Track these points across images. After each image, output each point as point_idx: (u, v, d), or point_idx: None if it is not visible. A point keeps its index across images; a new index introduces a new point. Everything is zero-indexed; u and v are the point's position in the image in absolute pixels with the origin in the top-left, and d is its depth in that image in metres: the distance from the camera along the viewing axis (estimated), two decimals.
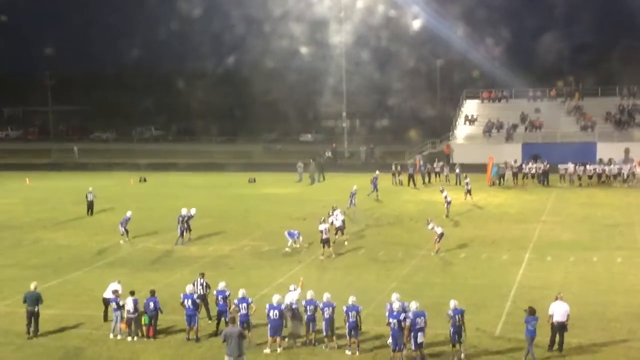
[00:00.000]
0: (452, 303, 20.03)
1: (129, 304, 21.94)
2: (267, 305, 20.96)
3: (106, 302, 23.11)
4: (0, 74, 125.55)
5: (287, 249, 33.15)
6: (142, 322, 21.93)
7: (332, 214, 35.01)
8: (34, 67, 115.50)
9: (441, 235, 32.41)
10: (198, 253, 33.44)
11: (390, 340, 19.87)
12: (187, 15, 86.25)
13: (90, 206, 43.08)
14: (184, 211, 35.69)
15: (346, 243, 34.22)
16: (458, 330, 19.79)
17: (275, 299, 21.08)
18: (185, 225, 35.37)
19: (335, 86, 79.30)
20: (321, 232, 31.78)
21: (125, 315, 22.00)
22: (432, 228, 32.65)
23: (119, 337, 21.89)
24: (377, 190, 48.80)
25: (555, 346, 20.31)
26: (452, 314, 19.79)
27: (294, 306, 21.31)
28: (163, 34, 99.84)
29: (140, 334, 21.89)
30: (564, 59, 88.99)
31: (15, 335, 22.34)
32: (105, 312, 23.33)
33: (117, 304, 22.00)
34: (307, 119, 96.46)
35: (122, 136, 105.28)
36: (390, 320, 19.73)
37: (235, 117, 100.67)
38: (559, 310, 20.33)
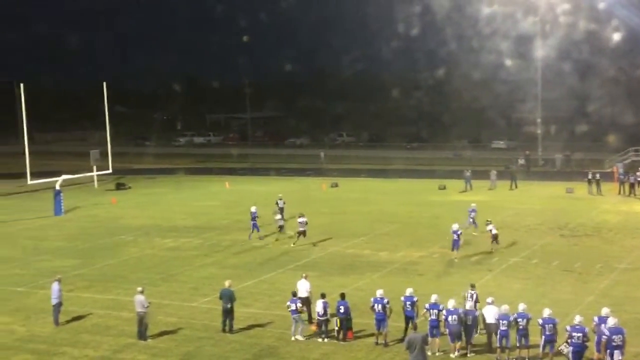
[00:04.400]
0: None
1: (319, 307, 22.50)
2: (445, 311, 20.88)
3: (303, 302, 23.80)
4: (204, 84, 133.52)
5: None
6: (335, 325, 22.44)
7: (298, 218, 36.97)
8: (245, 76, 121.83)
9: None
10: (387, 258, 33.68)
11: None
12: (395, 29, 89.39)
13: (280, 213, 44.21)
14: (253, 209, 38.49)
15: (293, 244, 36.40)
16: None
17: (452, 304, 20.94)
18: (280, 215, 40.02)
19: (532, 93, 77.91)
20: (300, 223, 35.91)
21: (316, 317, 22.65)
22: None
23: (298, 338, 22.45)
24: None
25: None
26: None
27: (471, 315, 20.98)
28: (370, 47, 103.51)
29: (330, 336, 22.39)
30: None
31: (215, 331, 23.54)
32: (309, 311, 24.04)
33: (296, 306, 22.58)
34: (501, 125, 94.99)
35: (315, 142, 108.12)
36: (573, 334, 18.94)
37: (432, 125, 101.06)
38: None
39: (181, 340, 22.91)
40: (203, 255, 35.59)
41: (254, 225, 38.42)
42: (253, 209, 38.74)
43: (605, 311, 19.79)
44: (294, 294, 23.20)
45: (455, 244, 32.94)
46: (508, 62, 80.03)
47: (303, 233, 36.34)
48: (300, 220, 36.61)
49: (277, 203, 44.31)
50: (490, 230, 34.34)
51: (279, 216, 39.71)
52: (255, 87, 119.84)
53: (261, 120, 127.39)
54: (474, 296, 22.26)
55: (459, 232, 33.00)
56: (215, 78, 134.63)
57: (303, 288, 24.15)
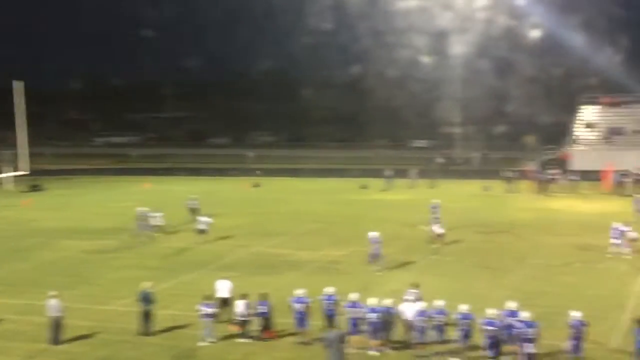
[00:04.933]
0: (576, 314, 19.45)
1: (239, 307, 22.35)
2: (365, 309, 21.08)
3: (223, 301, 23.65)
4: (124, 83, 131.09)
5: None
6: (256, 326, 22.34)
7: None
8: (156, 75, 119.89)
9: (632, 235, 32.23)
10: (308, 257, 33.73)
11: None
12: (307, 25, 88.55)
13: (192, 213, 43.79)
14: (146, 210, 39.39)
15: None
16: (578, 343, 19.14)
17: (373, 301, 21.18)
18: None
19: (451, 93, 79.08)
20: (200, 222, 37.28)
21: (237, 318, 22.50)
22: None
23: (205, 343, 22.07)
24: None
25: None
26: (575, 324, 19.17)
27: (392, 312, 21.26)
28: (282, 44, 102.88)
29: (251, 336, 22.29)
30: None
31: (132, 334, 23.08)
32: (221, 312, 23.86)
33: (209, 310, 22.32)
34: (421, 125, 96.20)
35: (237, 142, 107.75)
36: (485, 327, 19.57)
37: (350, 124, 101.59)
38: None
39: (97, 345, 22.40)
40: (121, 257, 34.94)
41: (144, 227, 38.69)
42: (146, 210, 39.21)
43: (513, 305, 20.34)
44: (207, 298, 22.88)
45: (373, 255, 30.83)
46: (427, 61, 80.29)
47: (202, 231, 36.84)
48: (201, 219, 37.14)
49: (189, 204, 44.02)
50: (435, 230, 34.21)
51: (158, 214, 39.54)
52: (175, 87, 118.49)
53: (181, 120, 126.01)
54: (415, 295, 22.41)
55: (379, 241, 30.99)
56: (135, 77, 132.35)
57: (224, 288, 23.95)
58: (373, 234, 31.17)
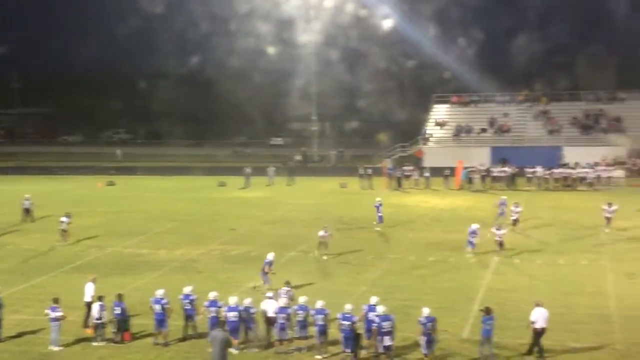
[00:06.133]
0: (425, 310, 19.98)
1: (94, 310, 21.73)
2: (225, 308, 21.04)
3: (88, 305, 22.95)
4: None
5: None
6: (111, 328, 21.78)
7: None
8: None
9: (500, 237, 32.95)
10: (166, 257, 33.21)
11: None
12: (150, 13, 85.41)
13: (27, 213, 42.34)
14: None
15: None
16: (430, 339, 19.80)
17: (233, 300, 21.16)
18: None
19: (304, 88, 79.13)
20: (61, 222, 35.98)
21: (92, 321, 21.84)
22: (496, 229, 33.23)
23: (57, 348, 21.38)
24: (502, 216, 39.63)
25: (534, 352, 20.42)
26: (424, 322, 19.75)
27: (251, 311, 21.24)
28: (125, 33, 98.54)
29: (107, 339, 21.72)
30: (533, 63, 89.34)
31: None
32: (88, 316, 23.06)
33: (55, 313, 21.53)
34: (276, 122, 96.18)
35: (89, 139, 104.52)
36: (342, 322, 19.94)
37: (202, 120, 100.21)
38: (541, 317, 20.40)
39: None
40: None
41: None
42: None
43: (374, 300, 20.85)
44: (56, 301, 22.02)
45: (265, 276, 27.06)
46: (274, 52, 78.77)
47: (63, 232, 36.05)
48: (62, 219, 36.11)
49: (23, 203, 42.44)
50: (321, 235, 33.00)
51: None
52: (24, 82, 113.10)
53: (31, 117, 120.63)
54: (289, 293, 22.42)
55: (271, 261, 27.13)
56: None
57: (88, 291, 23.18)
58: (269, 255, 27.31)
